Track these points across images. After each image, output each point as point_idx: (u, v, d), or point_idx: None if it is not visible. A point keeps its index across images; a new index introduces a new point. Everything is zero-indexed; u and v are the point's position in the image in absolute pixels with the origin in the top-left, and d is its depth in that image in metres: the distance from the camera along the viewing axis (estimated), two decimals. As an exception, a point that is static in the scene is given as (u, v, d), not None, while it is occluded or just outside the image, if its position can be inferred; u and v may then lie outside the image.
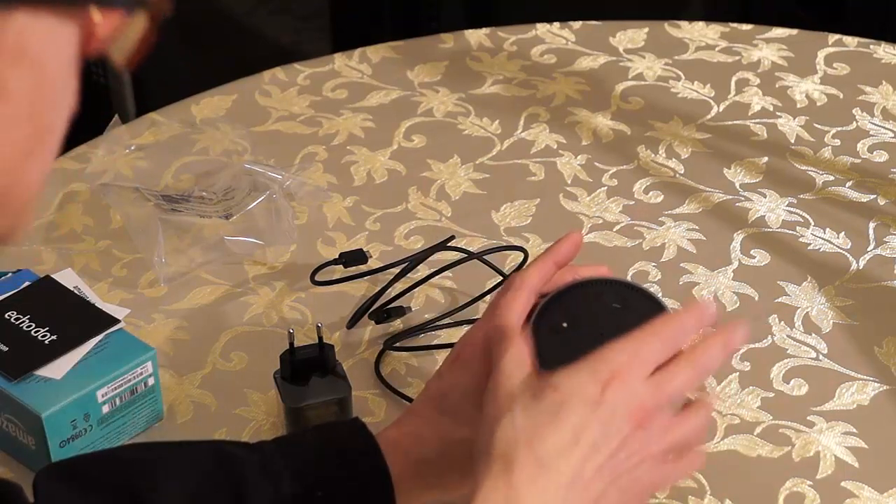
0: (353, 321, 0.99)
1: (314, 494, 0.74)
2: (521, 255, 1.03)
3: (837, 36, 1.37)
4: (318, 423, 0.87)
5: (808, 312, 1.02)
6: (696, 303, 0.73)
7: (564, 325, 0.75)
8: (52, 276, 0.94)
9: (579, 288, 0.77)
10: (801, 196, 1.14)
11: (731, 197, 1.14)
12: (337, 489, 0.74)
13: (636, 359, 0.70)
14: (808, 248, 1.08)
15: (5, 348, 0.87)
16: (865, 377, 0.96)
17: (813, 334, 0.99)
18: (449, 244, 1.03)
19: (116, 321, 0.89)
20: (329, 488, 0.74)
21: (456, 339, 0.97)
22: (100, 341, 0.88)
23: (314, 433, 0.78)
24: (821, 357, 0.97)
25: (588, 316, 0.76)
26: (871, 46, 1.35)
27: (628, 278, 0.77)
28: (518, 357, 0.72)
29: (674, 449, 0.72)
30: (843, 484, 0.87)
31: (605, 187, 1.15)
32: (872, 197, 1.14)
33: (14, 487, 0.75)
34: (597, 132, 1.22)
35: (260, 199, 1.06)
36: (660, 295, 0.76)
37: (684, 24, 1.39)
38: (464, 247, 1.05)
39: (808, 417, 0.92)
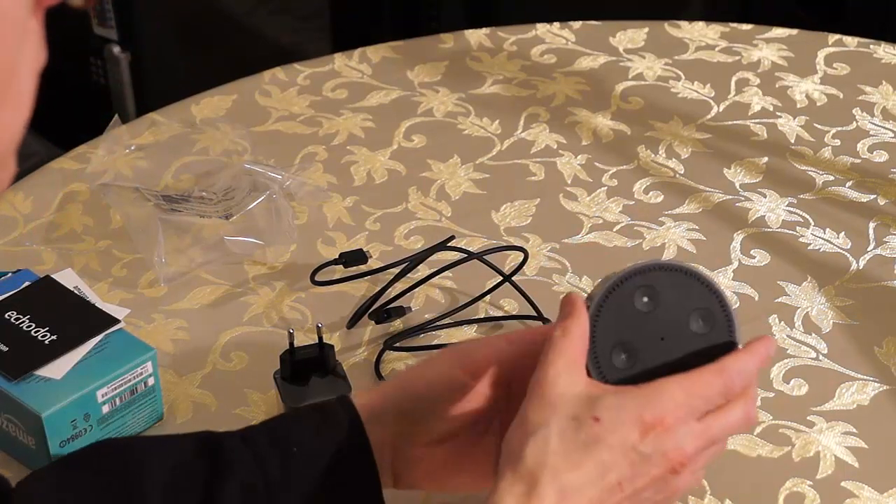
0: (353, 321, 0.99)
1: (289, 451, 0.73)
2: (520, 255, 1.03)
3: (837, 36, 1.37)
4: None
5: (808, 312, 1.02)
6: (761, 343, 0.71)
7: (640, 306, 0.71)
8: (52, 276, 0.94)
9: (667, 271, 0.72)
10: (801, 196, 1.14)
11: (731, 197, 1.14)
12: (311, 438, 0.74)
13: (688, 407, 0.68)
14: (808, 248, 1.08)
15: (5, 348, 0.87)
16: (865, 377, 0.96)
17: (813, 334, 0.99)
18: (449, 244, 1.03)
19: (116, 321, 0.89)
20: (302, 439, 0.74)
21: (456, 340, 0.98)
22: (100, 341, 0.88)
23: (299, 413, 0.79)
24: (821, 357, 0.97)
25: (664, 310, 0.71)
26: (871, 46, 1.35)
27: (718, 283, 0.74)
28: (571, 357, 0.69)
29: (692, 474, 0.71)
30: (843, 484, 0.87)
31: (605, 187, 1.15)
32: (872, 197, 1.14)
33: (3, 481, 0.75)
34: (597, 132, 1.22)
35: (260, 199, 1.06)
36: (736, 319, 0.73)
37: (684, 24, 1.39)
38: (464, 247, 1.05)
39: (808, 417, 0.92)
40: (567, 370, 0.69)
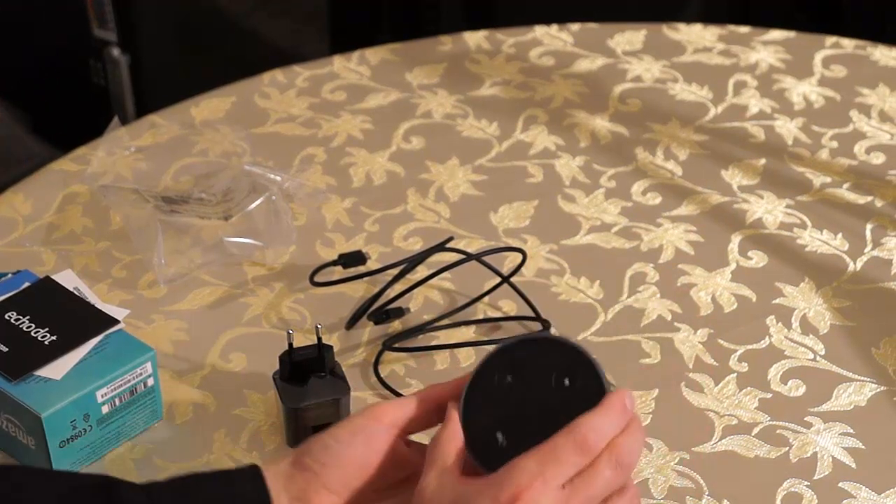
0: (352, 322, 1.00)
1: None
2: (519, 257, 1.03)
3: (834, 38, 1.37)
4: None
5: (805, 313, 1.02)
6: (617, 396, 0.72)
7: (506, 381, 0.73)
8: (52, 276, 0.94)
9: (520, 347, 0.74)
10: (799, 198, 1.14)
11: (728, 198, 1.14)
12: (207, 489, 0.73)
13: (543, 476, 0.68)
14: (806, 249, 1.09)
15: (5, 349, 0.87)
16: (863, 378, 0.96)
17: (810, 335, 1.00)
18: (447, 245, 1.03)
19: (116, 322, 0.90)
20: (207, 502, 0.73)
21: (454, 340, 0.98)
22: (99, 342, 0.88)
23: (206, 473, 0.76)
24: (818, 358, 0.98)
25: (523, 382, 0.74)
26: (868, 49, 1.36)
27: (569, 339, 0.76)
28: (442, 462, 0.71)
29: None
30: (840, 484, 0.87)
31: (604, 189, 1.15)
32: (869, 199, 1.14)
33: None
34: (595, 134, 1.23)
35: (259, 201, 1.06)
36: (554, 331, 0.76)
37: (682, 26, 1.39)
38: (462, 248, 1.05)
39: (806, 418, 0.92)
40: (438, 475, 0.71)
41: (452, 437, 0.72)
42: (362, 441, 0.74)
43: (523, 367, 0.73)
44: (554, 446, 0.69)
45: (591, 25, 1.39)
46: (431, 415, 0.76)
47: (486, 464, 0.71)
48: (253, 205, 1.06)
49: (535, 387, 0.73)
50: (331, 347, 0.90)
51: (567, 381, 0.72)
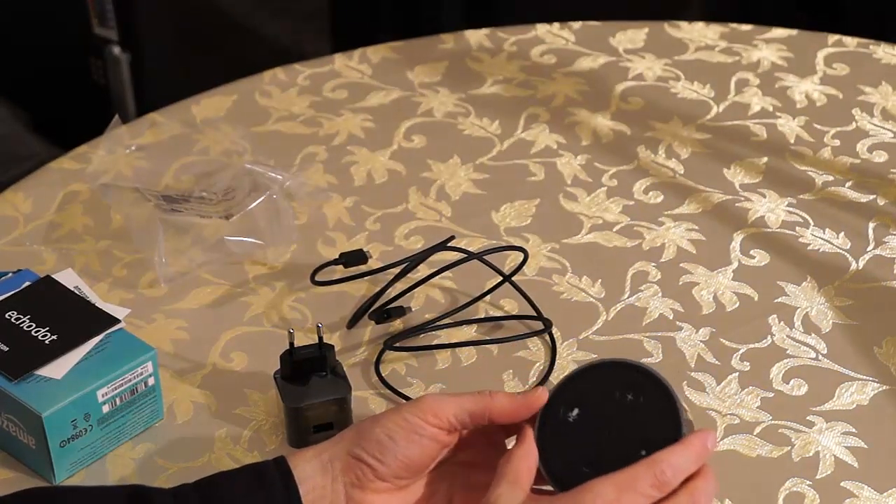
0: (353, 321, 0.99)
1: None
2: (520, 256, 1.03)
3: (837, 36, 1.37)
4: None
5: (807, 312, 1.02)
6: (699, 437, 0.72)
7: (573, 414, 0.75)
8: (53, 276, 0.94)
9: (589, 372, 0.76)
10: (801, 196, 1.14)
11: (730, 197, 1.14)
12: (242, 499, 0.74)
13: (619, 502, 0.69)
14: (808, 248, 1.08)
15: (6, 348, 0.87)
16: (865, 377, 0.96)
17: (812, 334, 1.00)
18: (449, 244, 1.03)
19: (117, 321, 0.90)
20: (234, 500, 0.74)
21: (456, 339, 0.98)
22: (100, 341, 0.88)
23: (234, 472, 0.77)
24: (820, 357, 0.98)
25: (596, 406, 0.74)
26: (871, 47, 1.35)
27: (638, 361, 0.76)
28: (512, 479, 0.72)
29: None
30: (842, 484, 0.87)
31: (605, 187, 1.15)
32: (872, 197, 1.14)
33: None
34: (597, 132, 1.23)
35: (260, 200, 1.06)
36: (664, 376, 0.75)
37: (684, 24, 1.39)
38: (464, 247, 1.05)
39: (808, 417, 0.92)
40: (508, 491, 0.72)
41: (526, 454, 0.74)
42: (417, 441, 0.76)
43: (597, 393, 0.75)
44: (633, 476, 0.70)
45: (593, 24, 1.39)
46: (484, 422, 0.76)
47: (560, 484, 0.73)
48: (254, 204, 1.06)
49: (611, 414, 0.74)
50: (332, 347, 0.90)
51: (641, 406, 0.74)
